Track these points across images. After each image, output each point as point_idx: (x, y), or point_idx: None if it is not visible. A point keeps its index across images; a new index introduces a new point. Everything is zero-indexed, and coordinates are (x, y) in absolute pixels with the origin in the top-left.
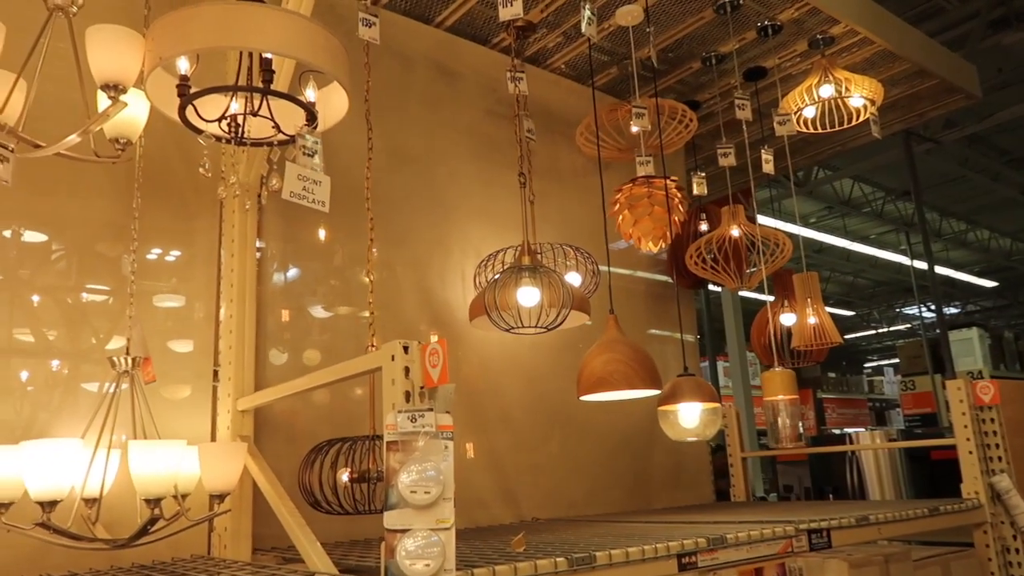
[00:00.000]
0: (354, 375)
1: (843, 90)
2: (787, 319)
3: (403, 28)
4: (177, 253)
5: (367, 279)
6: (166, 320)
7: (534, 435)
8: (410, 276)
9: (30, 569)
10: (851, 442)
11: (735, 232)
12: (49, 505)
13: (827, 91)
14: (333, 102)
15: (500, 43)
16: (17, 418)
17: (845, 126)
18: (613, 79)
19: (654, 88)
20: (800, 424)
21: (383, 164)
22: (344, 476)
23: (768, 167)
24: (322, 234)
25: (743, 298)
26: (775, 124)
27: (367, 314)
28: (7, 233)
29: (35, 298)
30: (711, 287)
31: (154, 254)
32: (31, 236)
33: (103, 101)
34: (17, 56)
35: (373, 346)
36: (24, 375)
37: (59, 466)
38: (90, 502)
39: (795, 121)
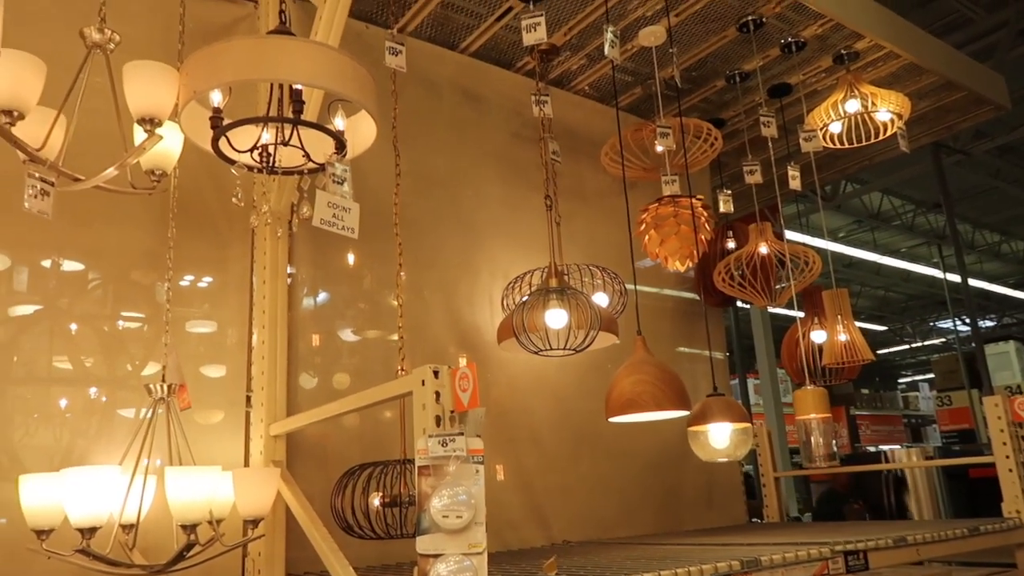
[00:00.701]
0: (385, 400)
1: (869, 105)
2: (818, 336)
3: (429, 55)
4: (210, 280)
5: (396, 303)
6: (199, 346)
7: (563, 456)
8: (438, 299)
9: None
10: (886, 460)
11: (763, 249)
12: (89, 531)
13: (853, 106)
14: (361, 130)
15: (524, 67)
16: (57, 445)
17: (872, 141)
18: (637, 99)
19: (678, 107)
20: (834, 442)
21: (411, 188)
22: (376, 500)
23: (795, 183)
24: (351, 259)
25: (773, 314)
26: (801, 140)
27: (396, 337)
28: (46, 263)
29: (73, 326)
30: (740, 304)
31: (188, 281)
32: (69, 266)
33: (139, 135)
34: (56, 92)
35: (403, 370)
36: (63, 402)
37: (99, 493)
38: (127, 528)
39: (821, 137)
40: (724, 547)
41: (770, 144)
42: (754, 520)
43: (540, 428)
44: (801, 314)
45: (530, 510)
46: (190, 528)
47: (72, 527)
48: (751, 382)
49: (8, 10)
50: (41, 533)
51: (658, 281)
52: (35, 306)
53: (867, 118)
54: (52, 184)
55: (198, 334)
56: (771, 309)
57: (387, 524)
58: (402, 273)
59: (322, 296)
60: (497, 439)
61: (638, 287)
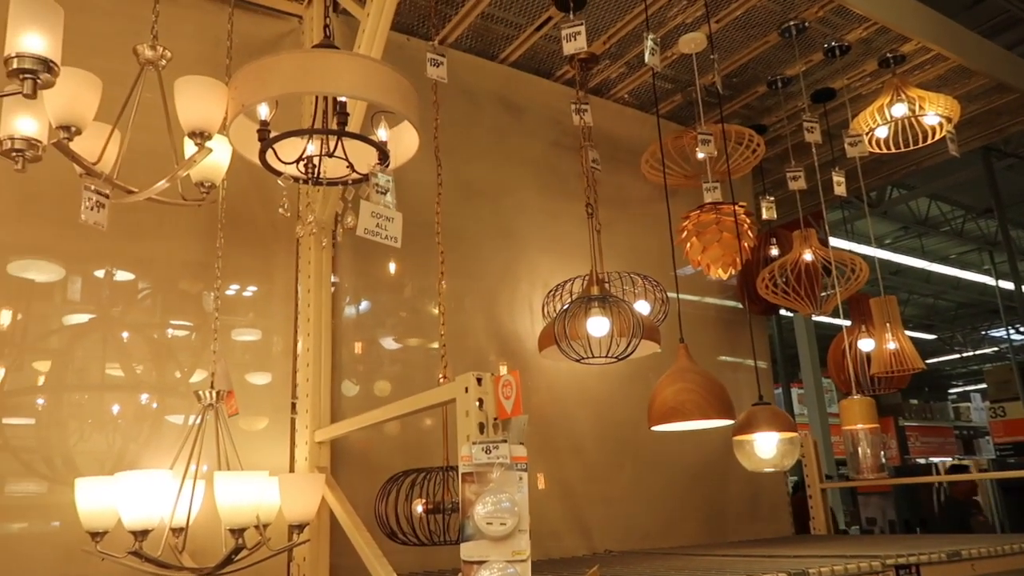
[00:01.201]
0: (429, 407)
1: (917, 108)
2: (865, 345)
3: (469, 65)
4: (256, 289)
5: (436, 311)
6: (245, 354)
7: (605, 465)
8: (479, 307)
9: None
10: (937, 472)
11: (808, 256)
12: (141, 534)
13: (900, 110)
14: (404, 140)
15: (563, 76)
16: (109, 450)
17: (920, 145)
18: (677, 106)
19: (719, 114)
20: (882, 454)
21: (452, 198)
22: (419, 507)
23: (840, 189)
24: (392, 268)
25: (817, 323)
26: (846, 145)
27: (436, 345)
28: (99, 273)
29: (125, 335)
30: (783, 312)
31: (234, 291)
32: (121, 276)
33: (189, 148)
34: (110, 109)
35: (445, 377)
36: (115, 408)
37: (151, 496)
38: (177, 531)
39: (867, 142)
40: (770, 559)
41: (814, 150)
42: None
43: (581, 437)
44: (847, 322)
45: (571, 519)
46: (238, 532)
47: (125, 529)
48: (795, 392)
49: (65, 31)
50: (95, 535)
51: (699, 289)
52: (88, 315)
53: (914, 122)
54: (107, 196)
55: (244, 342)
56: (816, 317)
57: (430, 531)
58: (443, 282)
59: (364, 305)
60: (538, 448)
61: (680, 295)
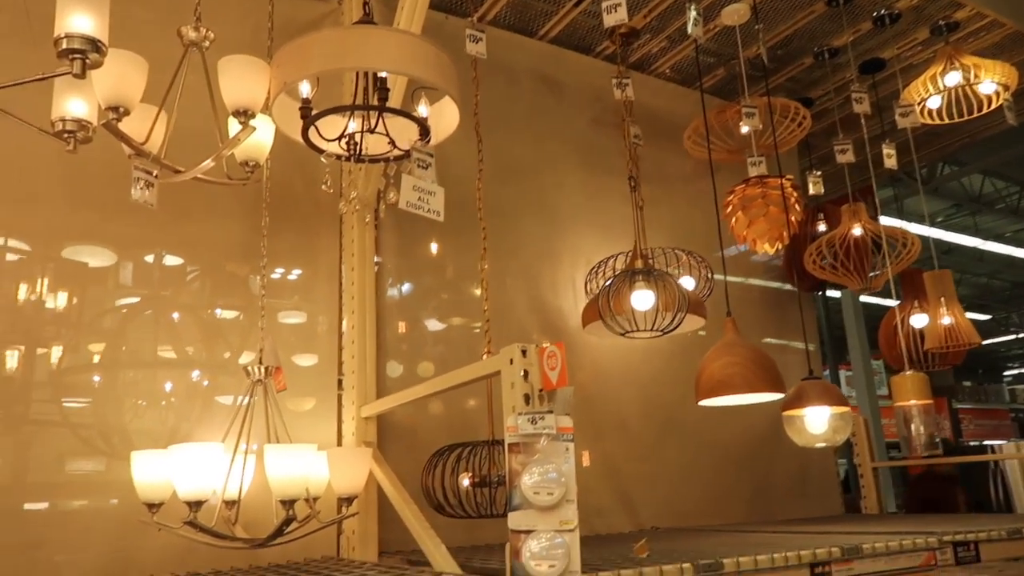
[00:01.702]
0: (474, 380)
1: (971, 77)
2: (918, 320)
3: (508, 43)
4: (300, 269)
5: (480, 289)
6: (291, 336)
7: (650, 443)
8: (521, 286)
9: (179, 566)
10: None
11: (857, 231)
12: (196, 505)
13: (953, 79)
14: (445, 116)
15: (603, 51)
16: (162, 427)
17: (975, 115)
18: (720, 80)
19: (765, 86)
20: (936, 431)
21: (492, 176)
22: (465, 481)
23: (891, 162)
24: (434, 248)
25: (865, 303)
26: (897, 116)
27: (478, 326)
28: (149, 258)
29: (175, 315)
30: (829, 292)
31: (279, 271)
32: (170, 260)
33: (234, 127)
34: (151, 93)
35: (489, 353)
36: (168, 387)
37: (204, 468)
38: (230, 504)
39: (919, 112)
40: (822, 535)
41: (863, 121)
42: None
43: (626, 414)
44: (895, 302)
45: (617, 497)
46: (288, 504)
47: (180, 501)
48: (843, 374)
49: (111, 16)
50: (152, 506)
51: (744, 270)
52: (140, 297)
53: (969, 91)
54: (156, 176)
55: (290, 324)
56: (863, 298)
57: (476, 504)
58: (485, 260)
59: (407, 285)
60: (583, 425)
61: (724, 274)
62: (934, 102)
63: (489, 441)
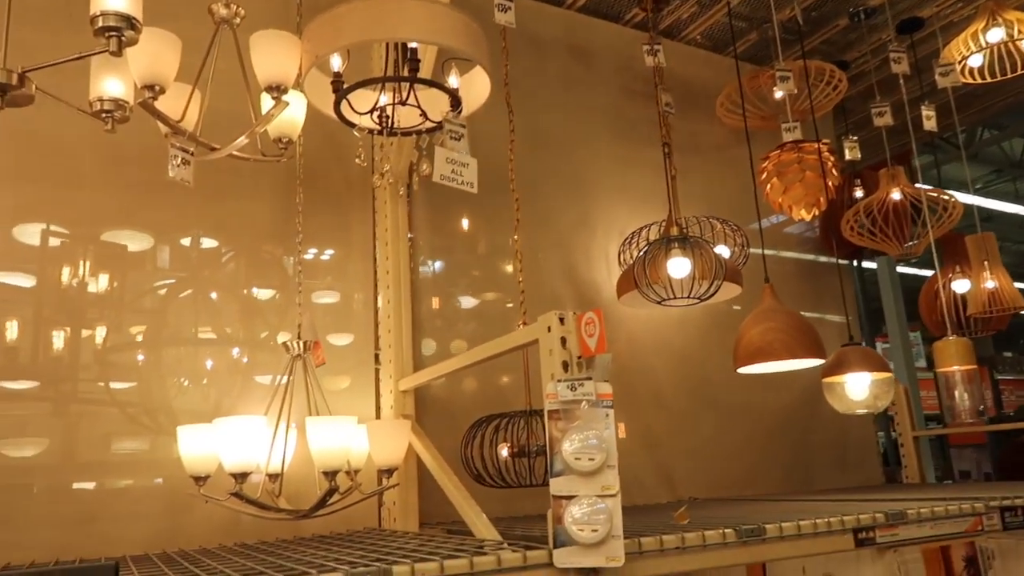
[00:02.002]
0: (512, 348)
1: (1015, 33)
2: (960, 286)
3: (536, 12)
4: (334, 246)
5: (512, 264)
6: (326, 315)
7: (687, 414)
8: (554, 258)
9: (225, 537)
10: None
11: (896, 195)
12: (241, 476)
13: (996, 35)
14: (476, 86)
15: (633, 19)
16: (205, 405)
17: (1019, 73)
18: (752, 46)
19: (801, 49)
20: (980, 399)
21: (523, 148)
22: (503, 451)
23: (930, 123)
24: (466, 223)
25: (902, 274)
26: (937, 76)
27: (511, 303)
28: (186, 240)
29: (213, 295)
30: (865, 264)
31: (313, 250)
32: (206, 242)
33: (266, 104)
34: (183, 70)
35: (524, 323)
36: (209, 365)
37: (248, 440)
38: (273, 477)
39: (959, 71)
40: (865, 502)
41: (901, 82)
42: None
43: (662, 386)
44: (931, 272)
45: (654, 468)
46: (331, 475)
47: (225, 474)
48: (879, 347)
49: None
50: (198, 479)
51: (778, 241)
52: (178, 279)
53: (1012, 48)
54: (192, 153)
55: (325, 304)
56: (900, 268)
57: (516, 473)
58: (518, 233)
59: (440, 261)
60: (619, 397)
61: (757, 244)
62: (975, 60)
63: (527, 411)
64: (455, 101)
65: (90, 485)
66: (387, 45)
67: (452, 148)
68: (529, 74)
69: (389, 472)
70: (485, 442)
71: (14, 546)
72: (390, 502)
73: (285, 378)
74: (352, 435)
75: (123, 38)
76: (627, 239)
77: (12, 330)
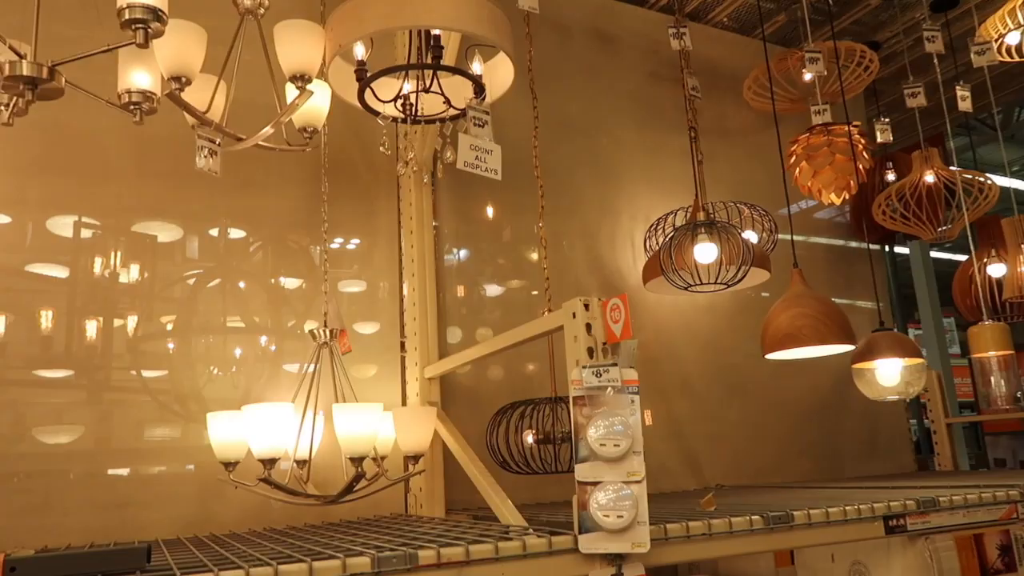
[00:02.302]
0: (538, 335)
1: None
2: (995, 270)
3: None
4: (361, 236)
5: (536, 255)
6: (352, 304)
7: (714, 401)
8: (579, 246)
9: (254, 523)
10: None
11: (930, 178)
12: (270, 462)
13: None
14: (499, 73)
15: (658, 2)
16: (234, 391)
17: None
18: (780, 28)
19: (831, 28)
20: (1017, 385)
21: (547, 135)
22: (529, 438)
23: (965, 104)
24: (490, 211)
25: (935, 259)
26: (972, 55)
27: (536, 291)
28: (214, 231)
29: (241, 284)
30: (897, 249)
31: (340, 240)
32: (234, 232)
33: (291, 93)
34: (207, 65)
35: (550, 310)
36: (237, 353)
37: (277, 427)
38: (301, 463)
39: (996, 49)
40: (896, 489)
41: (935, 61)
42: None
43: (688, 374)
44: (964, 257)
45: (682, 456)
46: (358, 460)
47: (254, 461)
48: (911, 333)
49: None
50: (228, 465)
51: (807, 227)
52: (206, 269)
53: None
54: (219, 144)
55: (351, 293)
56: (933, 253)
57: (541, 460)
58: (543, 220)
59: (464, 249)
60: (645, 385)
61: (785, 230)
62: (1013, 38)
63: (552, 398)
64: (479, 88)
65: (123, 471)
66: (410, 33)
67: (476, 135)
68: (553, 60)
69: (415, 458)
70: (511, 429)
71: (50, 530)
72: (416, 488)
73: (312, 366)
74: (379, 422)
75: (150, 30)
76: (653, 225)
77: (47, 320)
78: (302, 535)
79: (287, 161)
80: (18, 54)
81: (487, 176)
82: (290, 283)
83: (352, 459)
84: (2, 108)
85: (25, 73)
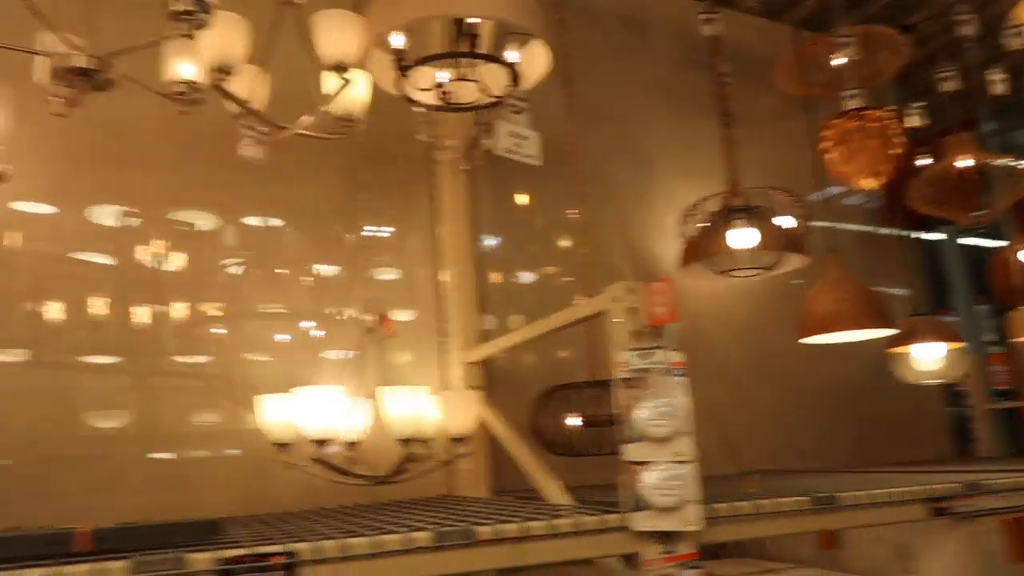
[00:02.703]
0: (581, 319)
1: None
2: None
3: None
4: (398, 224)
5: (570, 242)
6: (389, 290)
7: (751, 387)
8: (613, 232)
9: (304, 503)
10: None
11: (963, 162)
12: (321, 444)
13: None
14: (535, 60)
15: None
16: (278, 378)
17: None
18: (811, 11)
19: (861, 14)
20: None
21: (580, 122)
22: (574, 420)
23: (1000, 88)
24: (524, 198)
25: (967, 246)
26: (1006, 38)
27: (569, 279)
28: (253, 220)
29: (281, 272)
30: (931, 235)
31: (378, 228)
32: (273, 221)
33: (330, 83)
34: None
35: (587, 296)
36: (280, 339)
37: (326, 408)
38: (350, 445)
39: None
40: (937, 473)
41: (968, 45)
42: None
43: (724, 359)
44: (1000, 243)
45: (719, 443)
46: (408, 443)
47: (303, 441)
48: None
49: None
50: (280, 446)
51: (838, 213)
52: (248, 256)
53: None
54: (263, 133)
55: (388, 279)
56: (967, 239)
57: (586, 442)
58: (580, 206)
59: (498, 236)
60: None
61: (818, 216)
62: None
63: (594, 381)
64: (515, 75)
65: (173, 455)
66: (447, 21)
67: (515, 122)
68: (584, 48)
69: (461, 441)
70: (556, 410)
71: (105, 510)
72: (461, 471)
73: (354, 352)
74: (424, 405)
75: (197, 20)
76: (688, 211)
77: (96, 306)
78: (357, 514)
79: (323, 150)
80: (72, 47)
81: (526, 162)
82: (328, 270)
83: (402, 441)
84: (55, 100)
85: (82, 65)
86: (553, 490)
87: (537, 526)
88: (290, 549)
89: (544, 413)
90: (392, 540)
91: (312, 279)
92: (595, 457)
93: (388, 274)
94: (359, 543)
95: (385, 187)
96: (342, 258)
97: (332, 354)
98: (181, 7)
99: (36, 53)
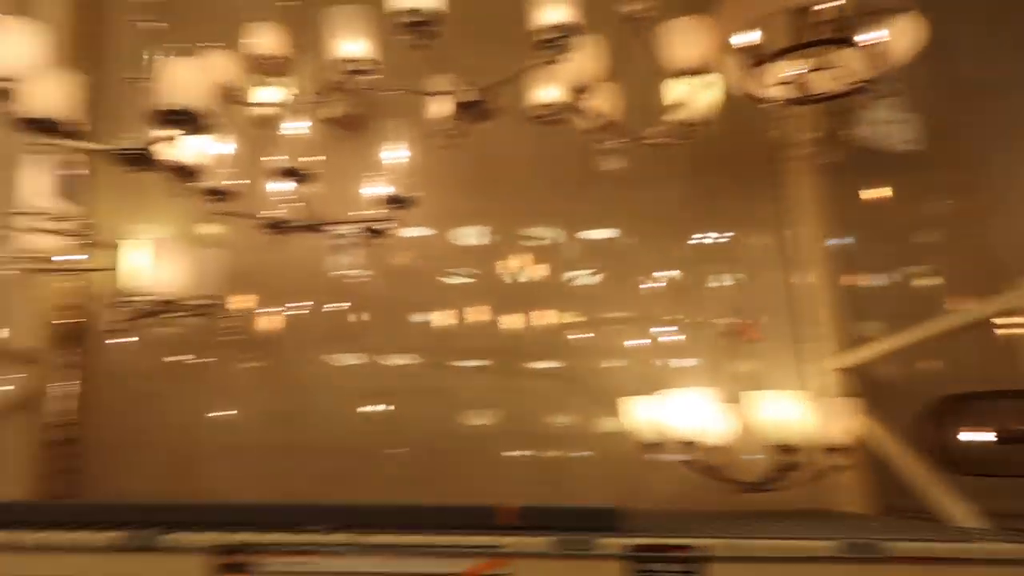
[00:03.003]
0: (975, 321)
1: None
2: None
3: None
4: (739, 228)
5: (930, 239)
6: (736, 294)
7: None
8: (996, 224)
9: (666, 504)
10: None
11: None
12: (690, 446)
13: None
14: (901, 37)
15: None
16: (636, 380)
17: None
18: None
19: None
20: None
21: (940, 99)
22: (988, 435)
23: None
24: (883, 192)
25: None
26: None
27: (936, 280)
28: (602, 232)
29: (632, 280)
30: None
31: (723, 232)
32: (621, 229)
33: (677, 89)
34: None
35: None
36: (635, 344)
37: (699, 411)
38: (718, 449)
39: None
40: None
41: None
42: None
43: None
44: None
45: None
46: (783, 450)
47: (672, 442)
48: None
49: None
50: (649, 447)
51: None
52: (598, 266)
53: None
54: (622, 142)
55: (737, 282)
56: None
57: (1006, 463)
58: (949, 201)
59: (850, 236)
60: None
61: None
62: None
63: (1016, 391)
64: (879, 57)
65: (542, 451)
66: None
67: (884, 107)
68: (949, 8)
69: (838, 452)
70: (960, 425)
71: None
72: (839, 484)
73: (706, 357)
74: (795, 411)
75: (562, 47)
76: None
77: (471, 315)
78: (739, 520)
79: (665, 157)
80: (460, 86)
81: (900, 148)
82: (673, 276)
83: (780, 448)
84: (443, 134)
85: (471, 99)
86: (961, 513)
87: (954, 549)
88: (699, 543)
89: (942, 426)
90: (799, 547)
91: (660, 285)
92: (1016, 479)
93: (733, 278)
94: (766, 545)
95: (727, 190)
96: (686, 263)
97: (684, 361)
98: (551, 35)
99: (430, 94)
